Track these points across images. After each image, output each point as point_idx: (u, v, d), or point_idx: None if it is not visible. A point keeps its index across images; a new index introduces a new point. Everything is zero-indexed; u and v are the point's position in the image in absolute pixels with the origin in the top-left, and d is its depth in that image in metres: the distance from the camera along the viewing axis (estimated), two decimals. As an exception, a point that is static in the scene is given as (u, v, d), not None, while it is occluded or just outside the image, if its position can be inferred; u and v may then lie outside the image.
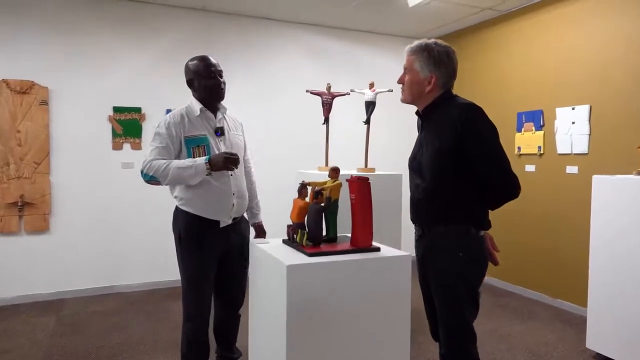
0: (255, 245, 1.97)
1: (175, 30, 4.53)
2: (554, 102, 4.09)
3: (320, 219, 1.84)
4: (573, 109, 3.90)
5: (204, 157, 2.18)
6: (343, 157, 4.43)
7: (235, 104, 4.87)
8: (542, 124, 4.20)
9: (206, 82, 2.29)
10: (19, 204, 4.00)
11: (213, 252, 2.31)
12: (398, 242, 3.34)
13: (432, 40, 1.88)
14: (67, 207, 4.21)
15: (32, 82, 4.04)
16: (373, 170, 3.36)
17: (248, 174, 2.61)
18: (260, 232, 2.63)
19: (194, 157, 2.25)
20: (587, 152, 3.81)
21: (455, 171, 1.78)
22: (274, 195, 4.09)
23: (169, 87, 4.27)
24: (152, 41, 4.46)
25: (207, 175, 2.17)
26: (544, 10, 4.23)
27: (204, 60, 2.31)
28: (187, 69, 2.33)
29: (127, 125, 4.34)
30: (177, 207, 2.35)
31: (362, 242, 1.81)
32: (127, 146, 4.39)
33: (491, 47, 4.77)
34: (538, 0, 4.26)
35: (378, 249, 1.81)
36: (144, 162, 2.23)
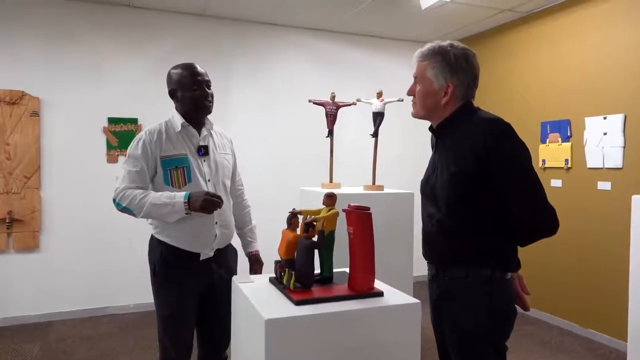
0: (237, 284, 1.67)
1: (174, 37, 4.30)
2: (582, 111, 3.72)
3: (311, 257, 1.53)
4: (605, 118, 3.53)
5: (183, 194, 1.89)
6: (349, 172, 4.14)
7: (234, 114, 4.62)
8: (569, 134, 3.83)
9: (191, 93, 2.00)
10: (7, 220, 3.78)
11: (192, 288, 2.02)
12: (409, 269, 3.01)
13: (446, 42, 1.57)
14: (58, 224, 3.98)
15: (23, 92, 3.83)
16: (382, 187, 3.05)
17: (239, 197, 2.33)
18: (256, 264, 2.31)
19: (171, 181, 1.97)
20: (621, 167, 3.43)
21: (477, 201, 1.46)
22: (273, 215, 3.81)
23: (167, 97, 4.00)
24: (149, 48, 4.23)
25: (186, 214, 1.89)
26: (569, 11, 3.88)
27: (188, 68, 2.03)
28: (170, 78, 2.05)
29: (123, 137, 4.11)
30: (152, 235, 2.07)
31: (361, 286, 1.50)
32: (122, 159, 4.13)
33: (512, 52, 4.41)
34: (563, 1, 3.91)
35: (381, 294, 1.49)
36: (117, 188, 1.95)
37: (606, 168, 3.54)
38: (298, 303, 1.39)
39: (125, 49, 4.18)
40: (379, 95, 3.06)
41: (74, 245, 4.03)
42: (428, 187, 1.62)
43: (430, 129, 1.68)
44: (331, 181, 3.20)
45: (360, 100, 3.19)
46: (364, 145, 4.53)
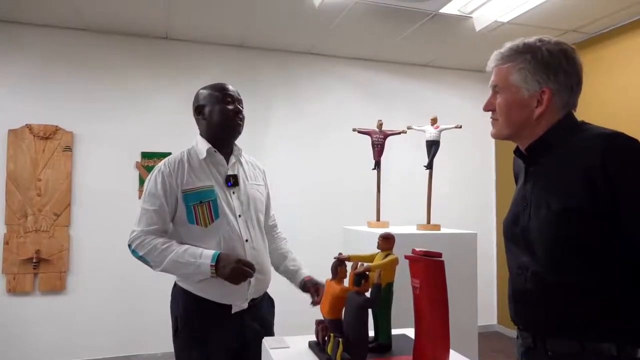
0: (268, 349, 1.31)
1: (212, 69, 4.15)
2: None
3: (365, 318, 1.15)
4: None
5: (211, 255, 1.60)
6: (399, 209, 3.76)
7: (272, 147, 4.32)
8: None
9: (221, 107, 1.74)
10: (34, 260, 3.60)
11: (222, 348, 1.67)
12: (473, 322, 2.55)
13: (533, 38, 1.21)
14: (86, 264, 3.78)
15: (57, 126, 3.74)
16: (438, 227, 2.64)
17: (272, 231, 2.01)
18: (315, 287, 1.84)
19: (195, 218, 1.67)
20: None
21: (593, 247, 1.06)
22: (313, 260, 3.45)
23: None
24: (185, 80, 4.10)
25: (212, 276, 1.60)
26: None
27: (219, 84, 1.80)
28: (197, 96, 1.81)
29: (156, 172, 3.92)
30: (175, 283, 1.76)
31: (432, 360, 1.11)
32: (155, 195, 3.95)
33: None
34: (632, 20, 3.49)
35: (460, 372, 1.09)
36: (132, 232, 1.67)
37: None
38: (349, 385, 1.01)
39: (161, 81, 4.06)
40: (434, 121, 2.71)
41: (102, 288, 3.79)
42: (518, 229, 1.23)
43: (517, 152, 1.30)
44: (378, 219, 2.83)
45: (411, 128, 2.84)
46: (414, 178, 4.17)
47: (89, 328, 3.74)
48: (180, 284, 1.73)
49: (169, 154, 4.06)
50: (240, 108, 1.79)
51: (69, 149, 3.74)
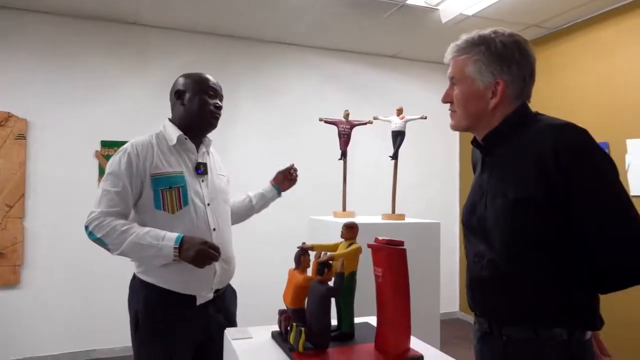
0: (230, 341, 1.29)
1: (180, 56, 4.04)
2: (623, 133, 3.35)
3: (328, 307, 1.15)
4: (651, 140, 3.16)
5: (174, 237, 1.53)
6: (364, 199, 3.77)
7: (240, 137, 4.24)
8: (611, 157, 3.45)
9: (203, 98, 1.69)
10: (-14, 253, 3.43)
11: (185, 341, 1.63)
12: (436, 310, 2.60)
13: (488, 30, 1.22)
14: (42, 257, 3.62)
15: (9, 113, 3.55)
16: (403, 217, 2.67)
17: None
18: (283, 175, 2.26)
19: (163, 204, 1.61)
20: (673, 194, 3.03)
21: (546, 237, 1.09)
22: (279, 250, 3.44)
23: (164, 119, 3.73)
24: (151, 67, 3.97)
25: (174, 260, 1.54)
26: (604, 25, 3.57)
27: (204, 76, 1.76)
28: (178, 81, 1.75)
29: (117, 161, 3.79)
30: (134, 276, 1.70)
31: (394, 348, 1.11)
32: (116, 186, 3.82)
33: (540, 71, 4.05)
34: (594, 15, 3.61)
35: (420, 358, 1.10)
36: (91, 213, 1.57)
37: (653, 195, 3.14)
38: (310, 375, 1.01)
39: (124, 68, 3.91)
40: (399, 112, 2.72)
41: (58, 281, 3.65)
42: (474, 217, 1.24)
43: (474, 142, 1.31)
44: (344, 209, 2.83)
45: (377, 118, 2.85)
46: (380, 169, 4.20)
47: (46, 323, 3.61)
48: (140, 276, 1.66)
49: (130, 143, 3.89)
50: (221, 104, 1.76)
51: (22, 137, 3.56)
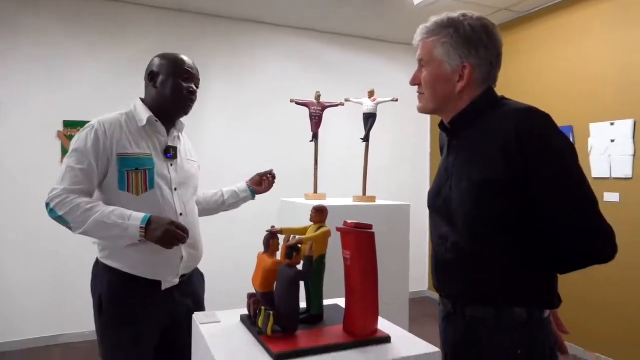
0: (197, 324, 1.28)
1: (145, 34, 3.90)
2: (586, 117, 3.45)
3: (296, 291, 1.15)
4: (612, 124, 3.27)
5: (141, 217, 1.48)
6: (336, 181, 3.79)
7: (210, 118, 4.16)
8: (572, 142, 3.56)
9: (177, 81, 1.64)
10: (-58, 237, 3.28)
11: (150, 327, 1.61)
12: (405, 289, 2.65)
13: (457, 13, 1.22)
14: (3, 243, 3.50)
15: (-37, 90, 3.36)
16: (374, 199, 2.69)
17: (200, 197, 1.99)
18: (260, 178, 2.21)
19: (127, 185, 1.57)
20: (631, 177, 3.16)
21: (508, 218, 1.11)
22: (250, 233, 3.40)
23: (130, 100, 3.61)
24: (115, 47, 3.82)
25: (139, 241, 1.49)
26: (570, 11, 3.63)
27: (182, 58, 1.69)
28: (153, 62, 1.69)
29: (82, 142, 3.66)
30: (97, 260, 1.66)
31: (362, 329, 1.13)
32: (81, 167, 3.70)
33: (508, 55, 4.11)
34: (562, 0, 3.67)
35: (388, 339, 1.12)
36: (53, 189, 1.50)
37: (614, 178, 3.26)
38: (279, 358, 1.01)
39: (88, 46, 3.76)
40: (371, 94, 2.71)
41: (22, 266, 3.55)
42: (440, 200, 1.26)
43: (441, 126, 1.33)
44: (316, 191, 2.83)
45: (349, 100, 2.84)
46: (352, 151, 4.20)
47: (10, 309, 3.52)
48: (103, 260, 1.62)
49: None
50: (196, 88, 1.70)
51: (-22, 115, 3.39)
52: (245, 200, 2.12)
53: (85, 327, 3.69)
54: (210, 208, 2.04)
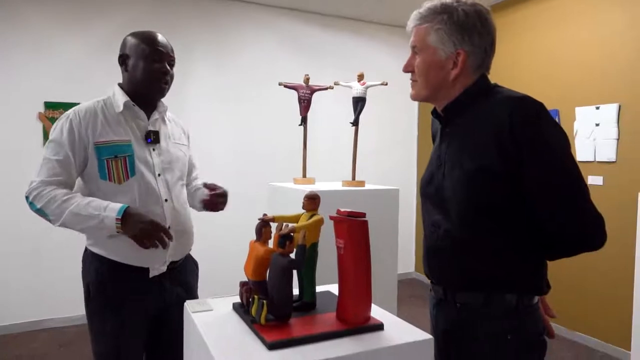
0: (189, 313, 1.27)
1: (124, 12, 3.78)
2: (572, 101, 3.48)
3: (290, 280, 1.15)
4: (597, 108, 3.30)
5: (118, 208, 1.45)
6: (325, 166, 3.78)
7: (193, 101, 4.05)
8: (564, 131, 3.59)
9: (147, 65, 1.57)
10: None
11: (139, 315, 1.60)
12: (393, 273, 2.68)
13: None
14: (-15, 225, 3.42)
15: (-63, 71, 3.24)
16: (363, 183, 2.69)
17: (191, 183, 1.93)
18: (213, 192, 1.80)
19: (108, 174, 1.54)
20: (614, 160, 3.21)
21: (500, 206, 1.12)
22: (238, 219, 3.38)
23: (112, 79, 3.51)
24: (94, 25, 3.70)
25: (117, 232, 1.47)
26: (558, -6, 3.62)
27: (151, 36, 1.61)
28: (124, 43, 1.62)
29: (63, 125, 3.57)
30: (86, 248, 1.64)
31: (354, 317, 1.13)
32: (63, 150, 3.62)
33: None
34: (551, -18, 3.66)
35: (380, 327, 1.13)
36: (32, 182, 1.50)
37: (597, 162, 3.32)
38: (273, 346, 1.01)
39: (67, 25, 3.64)
40: (360, 77, 2.69)
41: (5, 251, 3.48)
42: (432, 187, 1.27)
43: (434, 113, 1.32)
44: (304, 176, 2.82)
45: (338, 84, 2.81)
46: (340, 135, 4.19)
47: (-6, 294, 3.46)
48: (90, 248, 1.61)
49: (77, 104, 3.72)
50: (169, 68, 1.63)
51: (-46, 97, 3.28)
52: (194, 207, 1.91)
53: (71, 311, 3.66)
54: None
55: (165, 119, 1.76)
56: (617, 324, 3.09)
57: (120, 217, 1.44)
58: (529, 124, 1.07)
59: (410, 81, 1.28)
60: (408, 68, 1.27)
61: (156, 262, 1.61)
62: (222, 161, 4.05)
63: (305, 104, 2.72)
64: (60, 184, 1.50)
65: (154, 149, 1.65)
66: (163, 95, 1.67)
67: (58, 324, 3.64)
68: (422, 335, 1.09)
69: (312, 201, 1.26)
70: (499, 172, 1.09)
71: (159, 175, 1.64)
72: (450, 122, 1.25)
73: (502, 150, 1.08)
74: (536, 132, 1.08)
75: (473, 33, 1.16)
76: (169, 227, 1.61)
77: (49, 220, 1.50)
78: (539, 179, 1.08)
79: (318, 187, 2.57)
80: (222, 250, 3.68)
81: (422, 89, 1.24)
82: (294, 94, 2.77)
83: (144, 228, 1.45)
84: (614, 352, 3.20)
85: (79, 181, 1.59)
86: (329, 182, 2.96)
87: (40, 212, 1.48)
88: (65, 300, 3.62)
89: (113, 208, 1.45)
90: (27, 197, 1.50)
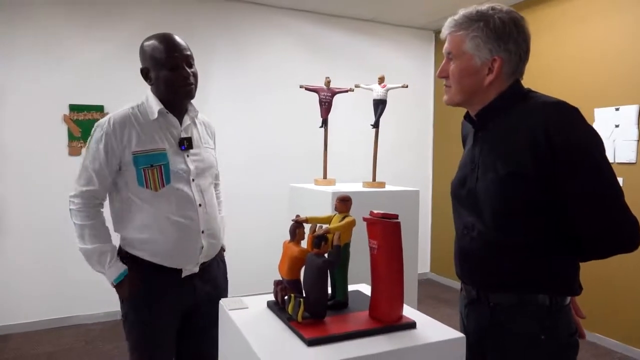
0: (225, 310, 1.32)
1: (145, 16, 3.85)
2: (591, 102, 3.47)
3: (325, 279, 1.19)
4: (617, 109, 3.29)
5: (118, 272, 1.64)
6: (345, 167, 3.82)
7: (213, 103, 4.11)
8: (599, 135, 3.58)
9: (166, 74, 1.59)
10: (-48, 222, 3.30)
11: (171, 312, 1.67)
12: (414, 274, 2.71)
13: (486, 6, 1.23)
14: (13, 224, 3.53)
15: (-32, 74, 3.34)
16: (383, 184, 2.72)
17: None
18: None
19: (145, 181, 1.59)
20: (634, 161, 3.20)
21: (534, 209, 1.15)
22: (259, 217, 3.44)
23: (135, 82, 3.58)
24: (117, 29, 3.78)
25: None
26: (578, -6, 3.61)
27: (164, 41, 1.61)
28: (142, 53, 1.64)
29: (87, 126, 3.65)
30: (119, 248, 1.70)
31: (387, 316, 1.17)
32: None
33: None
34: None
35: (413, 325, 1.17)
36: (73, 190, 1.63)
37: (617, 163, 3.30)
38: (311, 343, 1.05)
39: (90, 29, 3.72)
40: (381, 80, 2.72)
41: (33, 248, 3.58)
42: (465, 190, 1.29)
43: (467, 117, 1.34)
44: (325, 177, 2.86)
45: (359, 86, 2.84)
46: (359, 137, 4.22)
47: (22, 290, 3.56)
48: (126, 248, 1.67)
49: (101, 107, 3.80)
50: (189, 70, 1.64)
51: (-16, 100, 3.37)
52: None
53: (97, 309, 3.74)
54: None
55: (197, 122, 1.81)
56: (636, 325, 3.08)
57: (115, 283, 1.63)
58: (565, 129, 1.10)
59: (444, 87, 1.31)
60: (442, 74, 1.29)
61: (189, 263, 1.66)
62: (241, 162, 4.11)
63: (326, 107, 2.76)
64: (94, 195, 1.62)
65: (187, 155, 1.69)
66: (192, 96, 1.69)
67: (83, 321, 3.72)
68: (454, 333, 1.12)
69: (344, 203, 1.30)
70: (532, 176, 1.12)
71: (192, 180, 1.68)
72: (484, 126, 1.28)
73: (536, 155, 1.10)
74: (572, 137, 1.10)
75: (509, 40, 1.19)
76: (202, 231, 1.66)
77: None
78: (575, 182, 1.10)
79: (339, 188, 2.60)
80: (244, 249, 3.74)
81: (456, 94, 1.27)
82: (312, 96, 2.81)
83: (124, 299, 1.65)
84: (632, 353, 3.19)
85: (115, 186, 1.67)
86: (348, 182, 3.00)
87: (74, 225, 1.65)
88: (89, 298, 3.71)
89: (111, 273, 1.63)
90: (70, 202, 1.63)
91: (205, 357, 1.76)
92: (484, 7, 1.22)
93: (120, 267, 1.62)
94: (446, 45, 1.27)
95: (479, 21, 1.20)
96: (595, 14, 3.47)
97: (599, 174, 1.10)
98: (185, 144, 1.68)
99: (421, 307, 3.38)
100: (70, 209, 1.64)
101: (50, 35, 3.59)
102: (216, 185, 1.99)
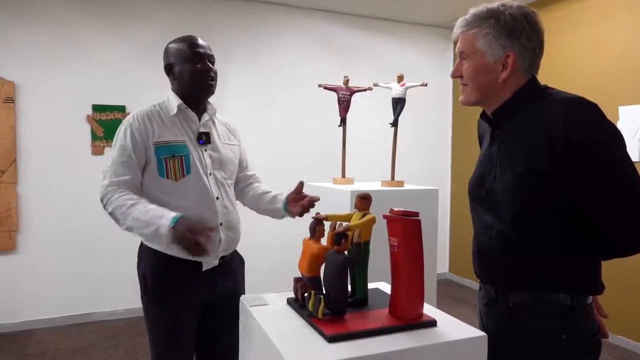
0: (246, 306, 1.33)
1: (165, 18, 3.91)
2: (616, 99, 3.40)
3: (346, 276, 1.19)
4: (642, 107, 3.22)
5: (171, 217, 1.47)
6: (362, 166, 3.80)
7: (232, 102, 4.17)
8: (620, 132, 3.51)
9: (190, 67, 1.68)
10: (-20, 219, 3.40)
11: (192, 306, 1.69)
12: (433, 273, 2.69)
13: (496, 4, 1.21)
14: (37, 222, 3.61)
15: (-5, 75, 3.43)
16: (402, 183, 2.72)
17: (250, 179, 2.01)
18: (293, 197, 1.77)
19: (166, 172, 1.64)
20: (661, 161, 3.12)
21: (553, 208, 1.13)
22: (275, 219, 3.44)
23: (157, 83, 3.63)
24: (138, 30, 3.85)
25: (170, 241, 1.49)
26: (601, -10, 3.54)
27: (188, 40, 1.71)
28: (167, 52, 1.74)
29: (109, 126, 3.72)
30: (141, 244, 1.73)
31: (408, 313, 1.17)
32: (109, 150, 3.77)
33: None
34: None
35: (433, 323, 1.16)
36: (103, 185, 1.62)
37: (642, 162, 3.23)
38: (332, 339, 1.06)
39: (112, 31, 3.79)
40: (400, 79, 2.71)
41: (56, 246, 3.66)
42: (483, 190, 1.28)
43: (483, 116, 1.33)
44: (343, 176, 2.86)
45: (377, 85, 2.84)
46: (376, 136, 4.21)
47: (44, 287, 3.64)
48: (146, 243, 1.70)
49: (123, 107, 3.88)
50: (211, 66, 1.73)
51: (10, 100, 3.47)
52: (275, 213, 1.87)
53: (117, 305, 3.81)
54: (251, 205, 1.98)
55: (215, 120, 1.84)
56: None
57: (173, 226, 1.45)
58: (583, 125, 1.08)
59: (461, 86, 1.30)
60: (456, 73, 1.28)
61: (209, 256, 1.68)
62: (259, 163, 4.12)
63: (344, 105, 2.77)
64: (126, 183, 1.60)
65: (205, 150, 1.73)
66: (212, 92, 1.75)
67: (104, 317, 3.80)
68: (476, 332, 1.11)
69: (364, 201, 1.31)
70: (551, 174, 1.10)
71: (210, 174, 1.72)
72: (501, 124, 1.26)
73: (555, 152, 1.09)
74: (592, 134, 1.07)
75: (521, 35, 1.17)
76: (220, 224, 1.69)
77: (118, 224, 1.59)
78: (596, 180, 1.08)
79: (358, 186, 2.61)
80: (262, 247, 3.77)
81: (472, 93, 1.26)
82: (328, 96, 2.82)
83: (182, 238, 1.43)
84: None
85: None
86: (366, 181, 3.00)
87: (111, 215, 1.59)
88: (110, 295, 3.78)
89: (168, 216, 1.48)
90: (101, 200, 1.62)
91: (225, 352, 1.78)
92: (494, 4, 1.21)
93: (172, 213, 1.50)
94: (458, 44, 1.26)
95: (490, 18, 1.19)
96: (620, 9, 3.39)
97: (620, 170, 1.08)
98: (204, 138, 1.72)
99: (440, 306, 3.36)
100: (105, 206, 1.59)
101: (73, 37, 3.67)
102: (253, 176, 2.01)
